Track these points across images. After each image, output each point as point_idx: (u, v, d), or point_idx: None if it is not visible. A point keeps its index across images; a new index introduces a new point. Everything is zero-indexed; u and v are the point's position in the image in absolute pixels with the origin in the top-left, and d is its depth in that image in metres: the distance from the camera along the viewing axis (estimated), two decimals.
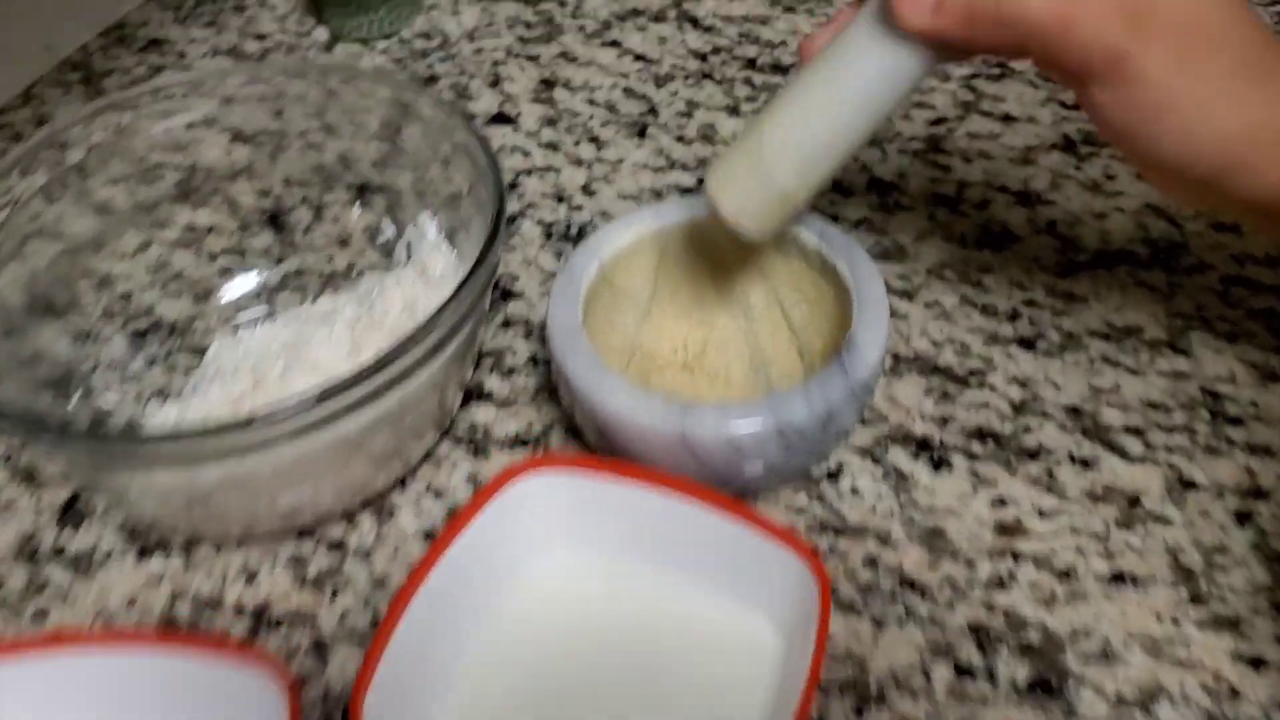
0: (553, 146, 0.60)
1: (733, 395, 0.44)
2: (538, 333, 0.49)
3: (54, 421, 0.41)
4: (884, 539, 0.40)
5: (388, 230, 0.51)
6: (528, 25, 0.70)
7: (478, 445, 0.45)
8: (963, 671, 0.36)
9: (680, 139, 0.60)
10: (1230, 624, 0.37)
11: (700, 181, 0.57)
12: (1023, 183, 0.55)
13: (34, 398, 0.41)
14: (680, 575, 0.37)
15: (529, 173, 0.58)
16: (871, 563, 0.40)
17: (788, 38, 0.67)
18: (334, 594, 0.40)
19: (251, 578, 0.41)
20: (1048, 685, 0.36)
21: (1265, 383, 0.45)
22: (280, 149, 0.52)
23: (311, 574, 0.41)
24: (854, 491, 0.42)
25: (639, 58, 0.66)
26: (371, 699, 0.31)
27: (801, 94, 0.37)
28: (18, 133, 0.63)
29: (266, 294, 0.51)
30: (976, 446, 0.43)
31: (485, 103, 0.63)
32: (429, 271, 0.45)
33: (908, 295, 0.50)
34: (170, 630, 0.39)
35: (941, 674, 0.36)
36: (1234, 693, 0.35)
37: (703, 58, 0.66)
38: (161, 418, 0.44)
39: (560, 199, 0.57)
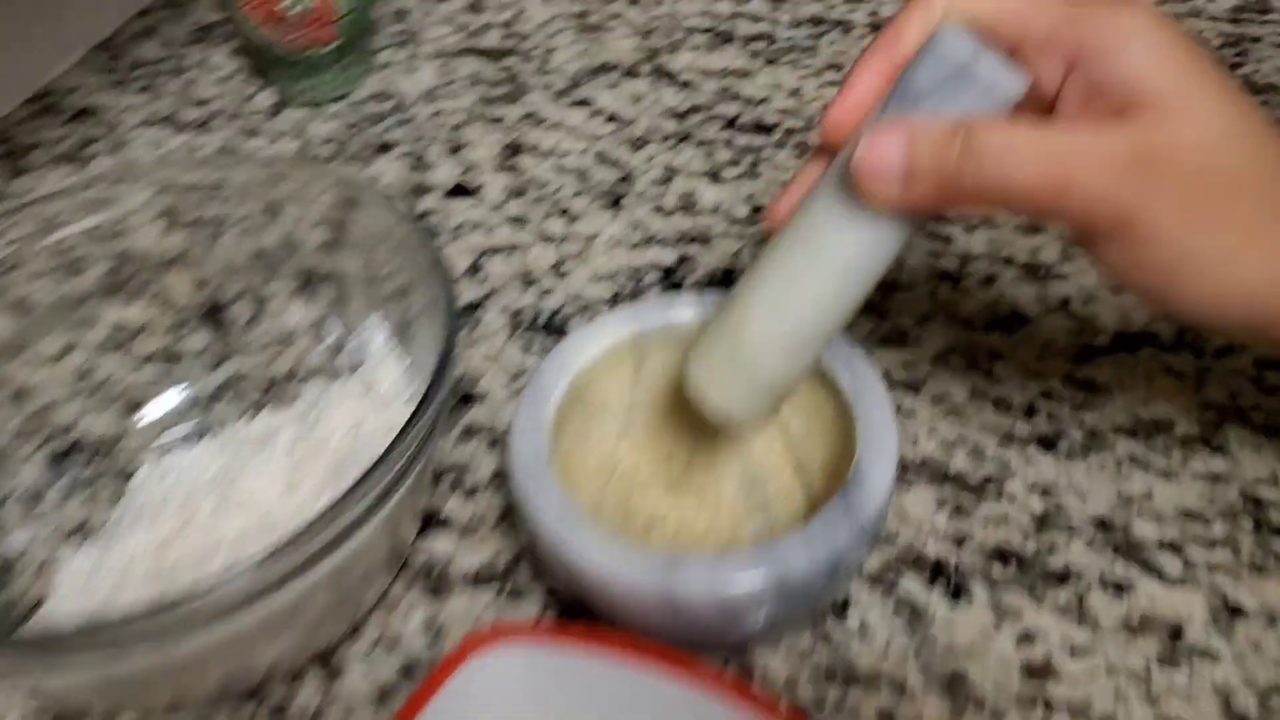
0: (519, 221, 0.56)
1: (723, 518, 0.40)
2: (504, 440, 0.45)
3: None
4: (899, 687, 0.36)
5: (334, 329, 0.47)
6: (490, 83, 0.66)
7: (436, 583, 0.41)
8: None
9: (658, 209, 0.56)
10: None
11: (681, 261, 0.53)
12: (1030, 254, 0.52)
13: None
14: None
15: (493, 252, 0.54)
16: (887, 718, 0.35)
17: (770, 93, 0.63)
18: None
19: None
20: None
21: None
22: (218, 233, 0.48)
23: None
24: (863, 629, 0.38)
25: (611, 118, 0.62)
26: None
27: (778, 277, 0.34)
28: None
29: (201, 405, 0.47)
30: (997, 570, 0.39)
31: (444, 172, 0.59)
32: (377, 386, 0.41)
33: (913, 388, 0.46)
34: None
35: None
36: None
37: (680, 117, 0.62)
38: (79, 562, 0.40)
39: (528, 282, 0.53)
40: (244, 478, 0.41)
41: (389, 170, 0.60)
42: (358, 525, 0.33)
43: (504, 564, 0.41)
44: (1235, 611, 0.38)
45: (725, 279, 0.52)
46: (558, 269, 0.53)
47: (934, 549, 0.40)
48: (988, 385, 0.46)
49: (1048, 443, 0.44)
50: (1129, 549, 0.40)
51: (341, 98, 0.65)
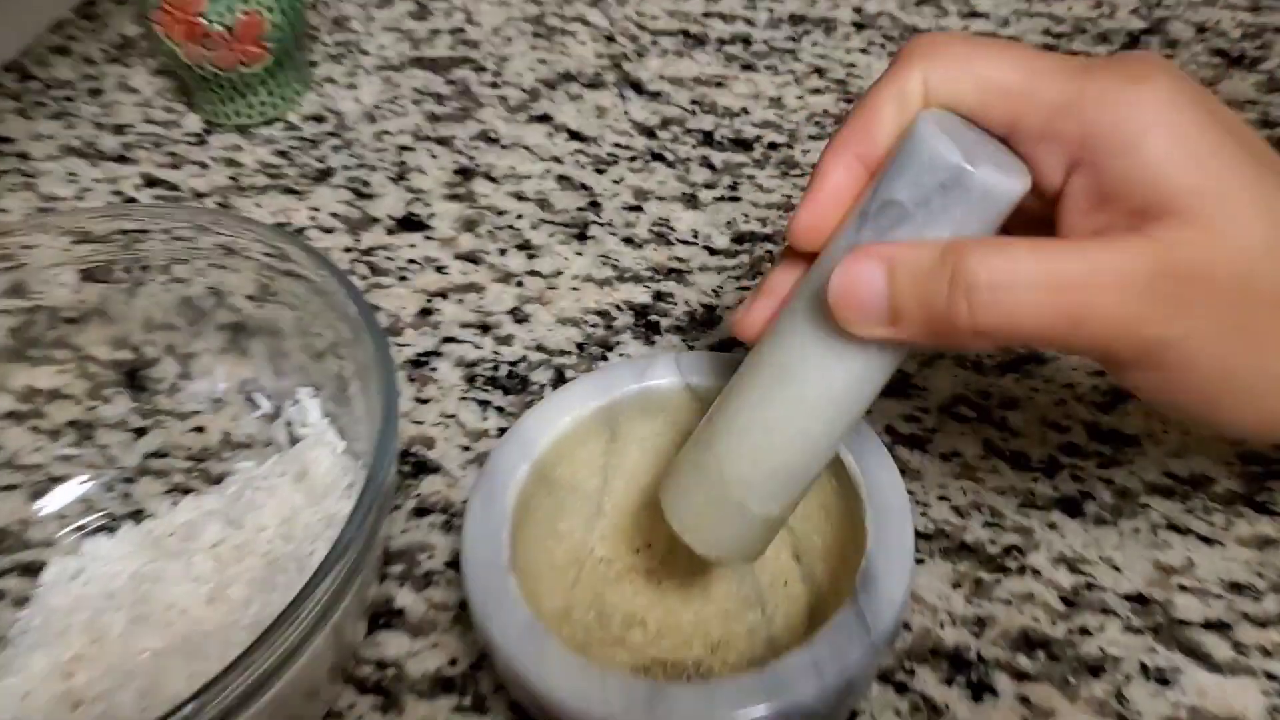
0: (473, 259, 0.51)
1: (711, 614, 0.36)
2: (460, 521, 0.40)
3: None
4: None
5: (266, 393, 0.43)
6: (439, 99, 0.61)
7: (388, 693, 0.36)
8: None
9: (629, 240, 0.51)
10: None
11: (657, 299, 0.48)
12: None
13: None
14: None
15: (444, 295, 0.50)
16: None
17: (749, 103, 0.58)
18: None
19: None
20: None
21: None
22: (140, 284, 0.44)
23: None
24: None
25: (574, 135, 0.58)
26: None
27: (757, 415, 0.30)
28: None
29: (119, 487, 0.42)
30: (1024, 660, 0.36)
31: (390, 202, 0.55)
32: (311, 473, 0.37)
33: (920, 444, 0.42)
34: None
35: None
36: None
37: (650, 133, 0.57)
38: None
39: (485, 329, 0.48)
40: (163, 583, 0.36)
41: (329, 201, 0.55)
42: (295, 651, 0.29)
43: (464, 668, 0.37)
44: None
45: (707, 319, 0.47)
46: (517, 314, 0.49)
47: (951, 637, 0.36)
48: (1003, 439, 0.42)
49: (1073, 506, 0.40)
50: (1171, 630, 0.36)
51: (276, 119, 0.60)
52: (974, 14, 0.66)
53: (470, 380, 0.46)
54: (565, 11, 0.68)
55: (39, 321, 0.42)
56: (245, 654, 0.27)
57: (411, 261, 0.52)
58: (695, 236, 0.51)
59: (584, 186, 0.55)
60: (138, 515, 0.41)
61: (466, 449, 0.44)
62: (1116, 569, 0.38)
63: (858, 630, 0.29)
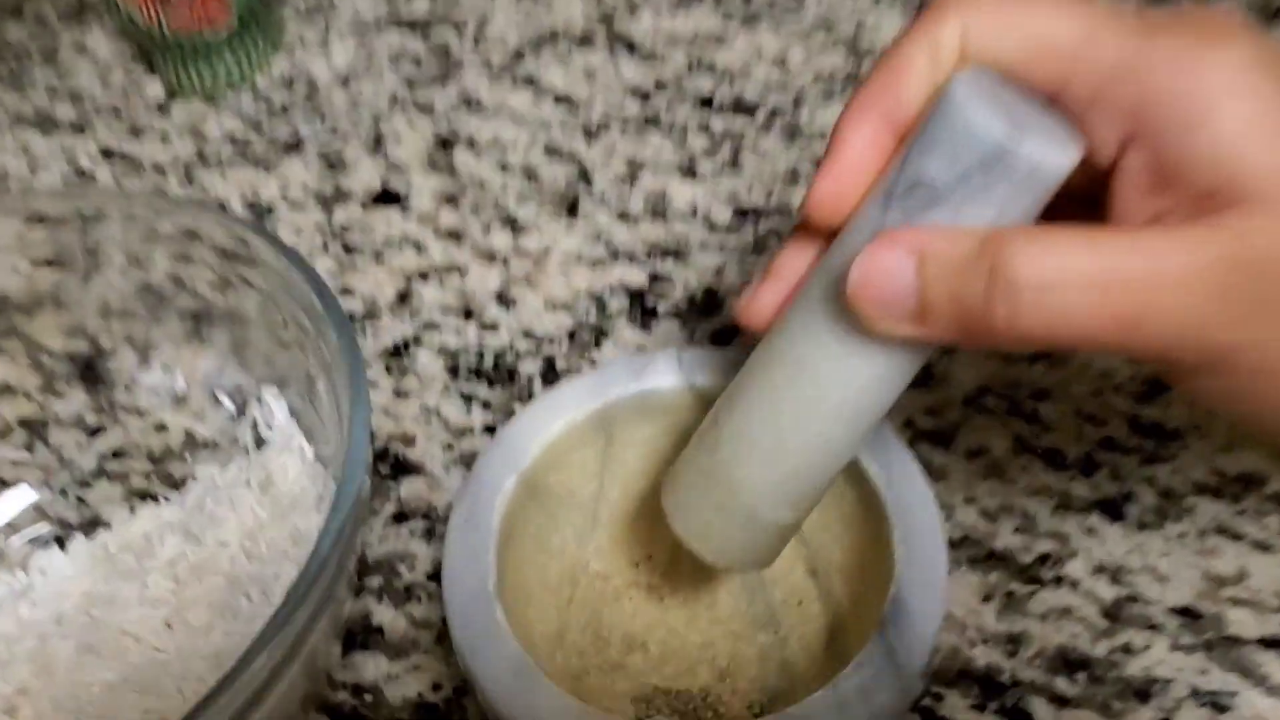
0: (455, 236, 0.48)
1: (719, 634, 0.33)
2: (443, 528, 0.37)
3: None
4: None
5: (230, 388, 0.40)
6: (416, 62, 0.57)
7: None
8: None
9: (623, 216, 0.48)
10: None
11: (653, 280, 0.45)
12: None
13: None
14: None
15: (425, 276, 0.46)
16: None
17: (750, 62, 0.55)
18: None
19: None
20: None
21: None
22: (96, 269, 0.41)
23: None
24: None
25: (562, 99, 0.54)
26: None
27: (768, 413, 0.27)
28: None
29: (73, 492, 0.39)
30: (1063, 684, 0.33)
31: (364, 175, 0.51)
32: (276, 482, 0.34)
33: (943, 440, 0.39)
34: None
35: None
36: None
37: (644, 96, 0.54)
38: None
39: (468, 314, 0.45)
40: (116, 605, 0.34)
41: (299, 174, 0.52)
42: (264, 689, 0.26)
43: (448, 693, 0.34)
44: None
45: (708, 303, 0.44)
46: (503, 297, 0.45)
47: (982, 657, 0.34)
48: (1034, 433, 0.39)
49: (1113, 509, 0.37)
50: (1223, 647, 0.33)
51: (243, 86, 0.57)
52: None
53: (452, 371, 0.43)
54: None
55: None
56: (209, 696, 0.25)
57: (388, 240, 0.48)
58: (694, 211, 0.48)
59: (573, 155, 0.51)
60: (93, 525, 0.38)
61: (450, 447, 0.41)
62: (1162, 579, 0.35)
63: (887, 668, 0.26)
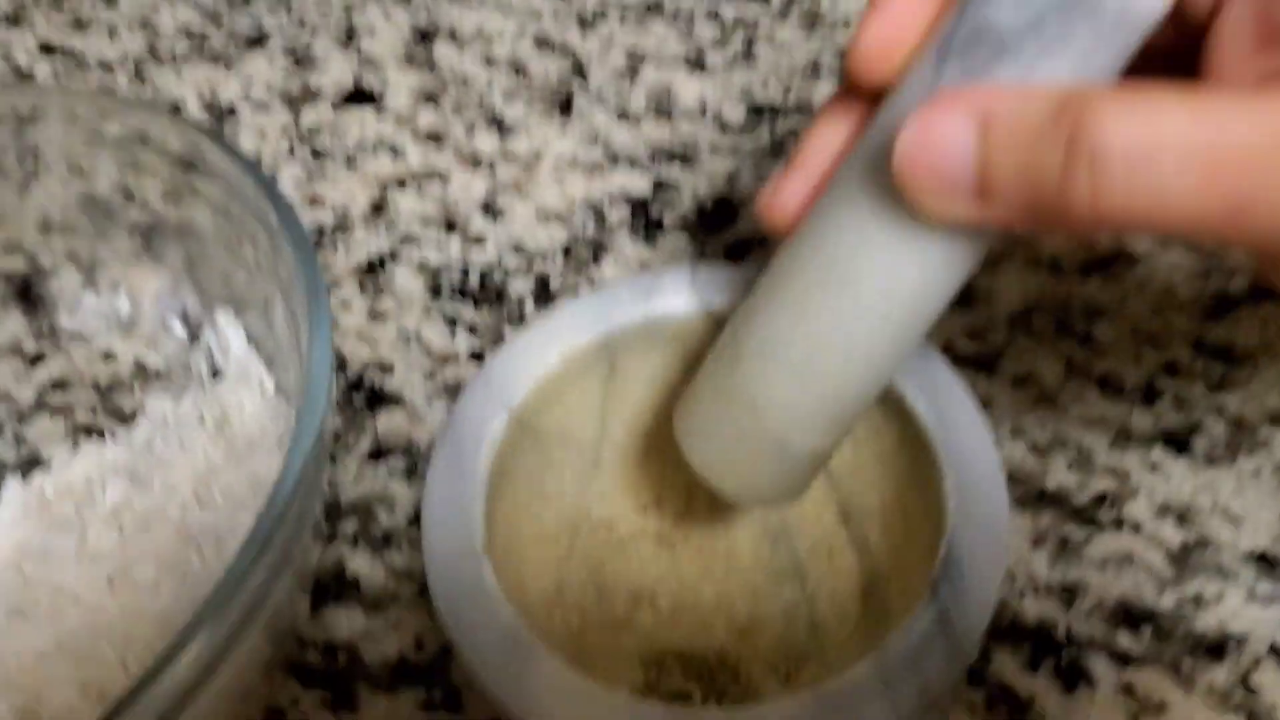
0: (436, 138, 0.44)
1: (737, 587, 0.30)
2: (425, 466, 0.34)
3: None
4: None
5: (183, 311, 0.36)
6: None
7: (340, 685, 0.30)
8: None
9: (623, 115, 0.44)
10: None
11: (658, 189, 0.41)
12: None
13: None
14: None
15: (402, 184, 0.42)
16: None
17: None
18: None
19: None
20: None
21: None
22: (34, 176, 0.38)
23: None
24: None
25: None
26: None
27: (798, 322, 0.24)
28: None
29: (9, 429, 0.36)
30: (1125, 639, 0.30)
31: (335, 72, 0.47)
32: (232, 420, 0.30)
33: (985, 365, 0.35)
34: None
35: None
36: None
37: None
38: None
39: (450, 226, 0.41)
40: (52, 561, 0.30)
41: (263, 71, 0.47)
42: (219, 657, 0.23)
43: (432, 652, 0.31)
44: None
45: (720, 213, 0.40)
46: (489, 207, 0.42)
47: (1034, 610, 0.31)
48: (1088, 358, 0.35)
49: (1178, 441, 0.33)
50: None
51: None
52: None
53: (434, 290, 0.39)
54: None
55: None
56: (155, 666, 0.21)
57: (361, 144, 0.44)
58: (703, 110, 0.44)
59: (565, 47, 0.47)
60: (31, 465, 0.35)
61: (432, 376, 0.37)
62: (1235, 521, 0.32)
63: (939, 634, 0.23)
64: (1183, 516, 0.32)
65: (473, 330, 0.38)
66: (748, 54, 0.46)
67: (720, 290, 0.29)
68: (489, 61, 0.47)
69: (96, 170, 0.37)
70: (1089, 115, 0.19)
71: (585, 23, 0.48)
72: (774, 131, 0.43)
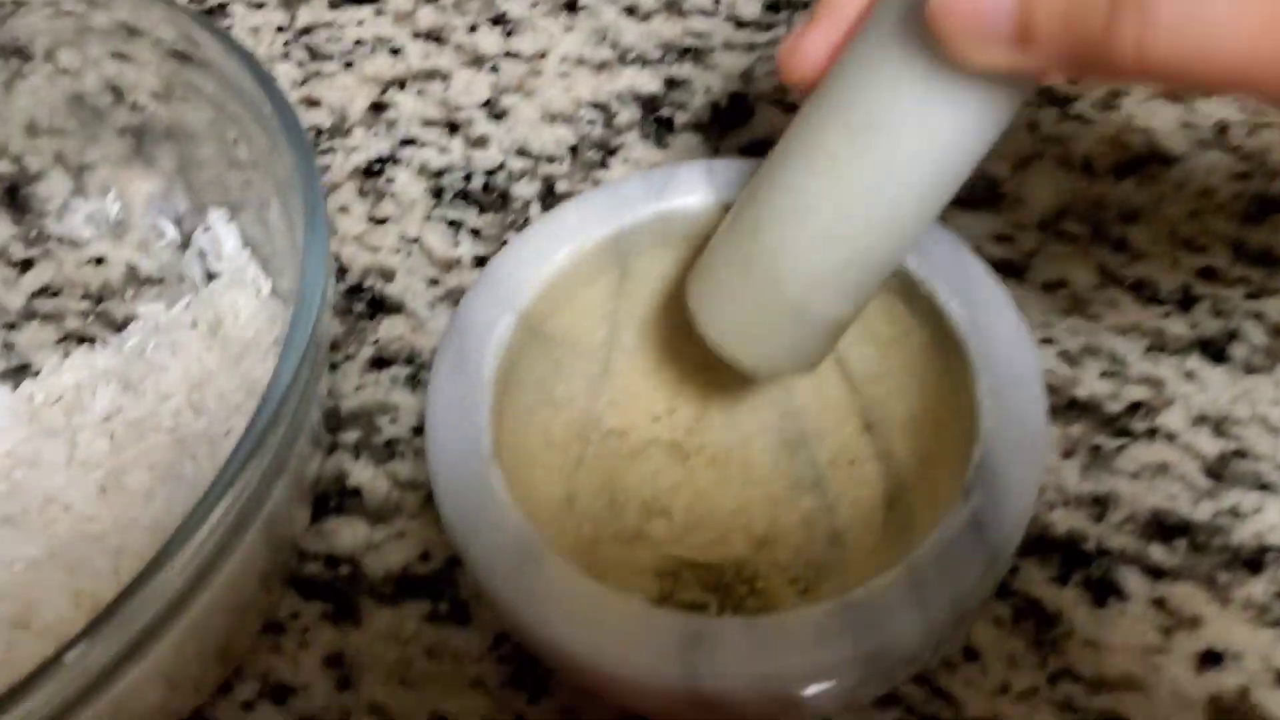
0: (436, 37, 0.43)
1: (755, 497, 0.29)
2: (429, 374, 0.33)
3: None
4: None
5: (176, 215, 0.35)
6: None
7: (342, 598, 0.30)
8: None
9: (631, 10, 0.43)
10: None
11: (669, 87, 0.40)
12: None
13: None
14: None
15: (402, 84, 0.41)
16: None
17: None
18: None
19: None
20: None
21: None
22: (19, 75, 0.37)
23: None
24: (970, 656, 0.27)
25: None
26: None
27: (824, 182, 0.23)
28: None
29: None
30: (1158, 552, 0.29)
31: None
32: (226, 323, 0.29)
33: (1016, 271, 0.34)
34: None
35: None
36: None
37: None
38: None
39: (453, 127, 0.40)
40: (41, 469, 0.29)
41: None
42: (213, 563, 0.22)
43: (438, 564, 0.30)
44: None
45: (734, 112, 0.39)
46: (493, 107, 0.40)
47: (1064, 521, 0.30)
48: (1122, 263, 0.34)
49: (1215, 349, 0.32)
50: None
51: None
52: None
53: (436, 194, 0.38)
54: None
55: None
56: (147, 572, 0.20)
57: (359, 42, 0.43)
58: (716, 3, 0.42)
59: None
60: (20, 373, 0.34)
61: (435, 282, 0.36)
62: (1274, 431, 0.31)
63: (971, 544, 0.22)
64: (1219, 426, 0.31)
65: (476, 235, 0.37)
66: None
67: (738, 185, 0.28)
68: None
69: (85, 66, 0.36)
70: None
71: None
72: (791, 26, 0.41)
